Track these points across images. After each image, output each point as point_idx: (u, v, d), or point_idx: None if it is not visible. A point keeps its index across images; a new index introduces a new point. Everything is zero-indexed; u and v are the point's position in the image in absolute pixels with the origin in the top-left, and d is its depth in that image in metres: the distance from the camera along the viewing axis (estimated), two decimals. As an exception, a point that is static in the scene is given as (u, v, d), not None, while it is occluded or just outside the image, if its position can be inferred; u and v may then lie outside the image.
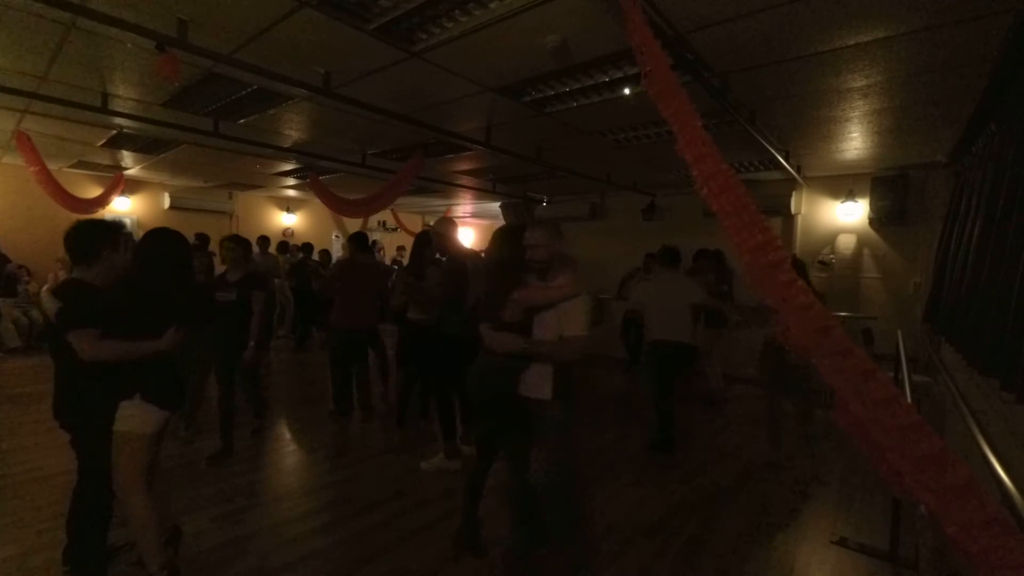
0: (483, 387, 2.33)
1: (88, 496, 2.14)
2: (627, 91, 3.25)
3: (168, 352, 2.13)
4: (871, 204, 5.52)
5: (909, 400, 2.34)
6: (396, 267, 7.32)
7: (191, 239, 5.13)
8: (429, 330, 3.71)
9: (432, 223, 4.01)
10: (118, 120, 4.40)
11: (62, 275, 7.03)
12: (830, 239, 5.99)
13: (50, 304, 2.01)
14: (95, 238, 2.11)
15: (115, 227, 2.24)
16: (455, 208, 10.98)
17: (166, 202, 8.38)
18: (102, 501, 2.14)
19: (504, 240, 2.38)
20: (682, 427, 4.71)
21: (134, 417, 2.05)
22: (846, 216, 5.79)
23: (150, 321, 2.08)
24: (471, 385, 2.39)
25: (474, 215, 11.95)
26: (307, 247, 8.16)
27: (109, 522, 2.18)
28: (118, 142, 5.46)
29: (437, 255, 3.82)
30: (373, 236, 10.96)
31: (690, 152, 1.66)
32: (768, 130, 4.08)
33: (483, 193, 7.96)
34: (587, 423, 4.67)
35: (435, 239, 3.80)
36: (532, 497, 2.28)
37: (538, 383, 2.21)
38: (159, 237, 2.24)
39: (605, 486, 3.40)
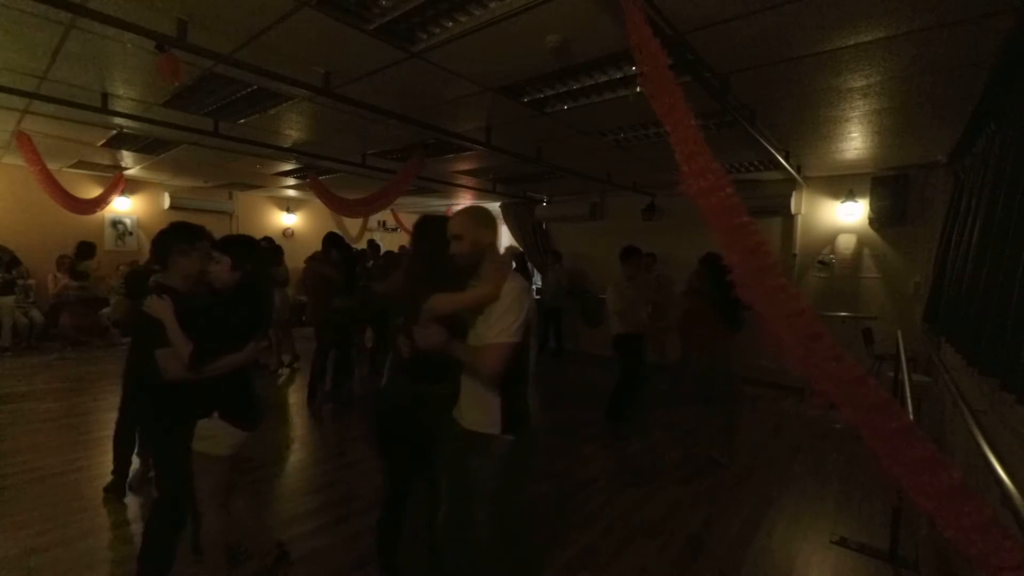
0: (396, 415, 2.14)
1: (160, 512, 2.13)
2: (629, 93, 3.25)
3: (246, 368, 2.11)
4: (871, 204, 5.52)
5: (909, 400, 2.34)
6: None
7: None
8: None
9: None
10: (118, 120, 4.40)
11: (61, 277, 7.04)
12: (830, 239, 5.99)
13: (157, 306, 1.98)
14: (166, 242, 2.16)
15: (192, 233, 2.20)
16: (455, 208, 10.98)
17: (166, 202, 8.37)
18: (171, 518, 2.12)
19: (423, 234, 2.02)
20: (682, 427, 4.71)
21: (211, 438, 2.00)
22: (846, 216, 5.79)
23: (236, 334, 2.05)
24: (380, 412, 2.22)
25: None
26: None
27: (176, 539, 2.16)
28: (118, 142, 5.45)
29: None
30: (373, 236, 10.96)
31: (681, 149, 1.61)
32: (768, 130, 4.08)
33: (483, 193, 7.95)
34: (586, 424, 4.67)
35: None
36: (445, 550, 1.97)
37: (479, 412, 1.78)
38: (259, 248, 2.22)
39: (605, 486, 3.40)
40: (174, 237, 2.16)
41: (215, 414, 1.99)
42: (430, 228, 2.01)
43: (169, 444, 2.06)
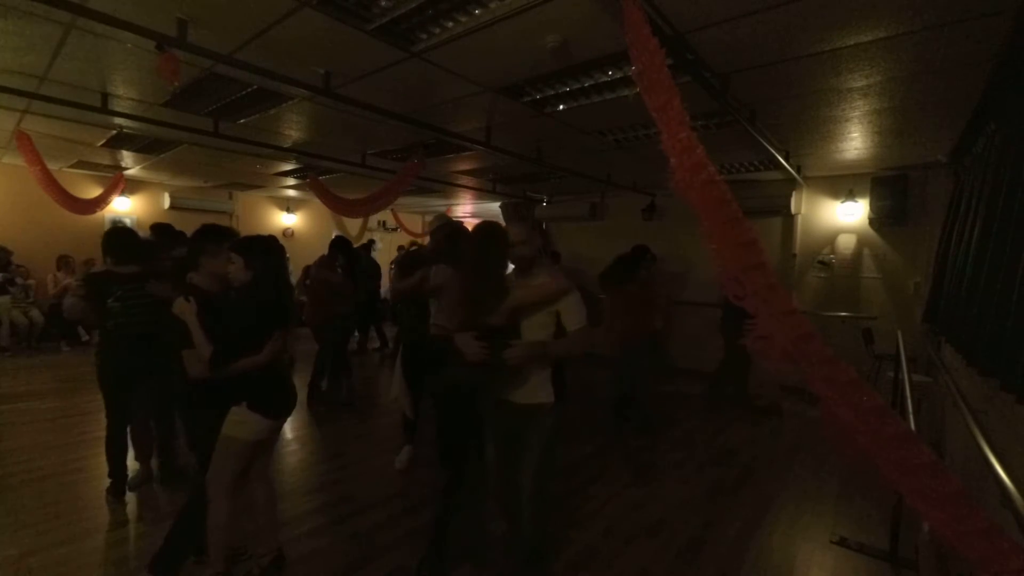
0: (465, 398, 2.28)
1: (195, 503, 2.19)
2: (629, 93, 3.25)
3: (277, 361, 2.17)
4: (871, 204, 5.51)
5: (909, 400, 2.34)
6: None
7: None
8: None
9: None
10: (118, 120, 4.40)
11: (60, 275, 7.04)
12: (830, 239, 5.99)
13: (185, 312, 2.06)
14: (193, 245, 2.27)
15: (218, 234, 2.28)
16: (455, 208, 10.98)
17: (166, 202, 8.38)
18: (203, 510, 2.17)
19: (485, 240, 2.21)
20: (683, 427, 4.71)
21: (240, 424, 2.08)
22: (846, 216, 5.79)
23: (256, 333, 2.10)
24: (450, 400, 2.37)
25: (474, 215, 11.96)
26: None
27: (199, 528, 2.20)
28: (118, 142, 5.45)
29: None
30: (373, 236, 10.98)
31: (672, 143, 1.60)
32: (768, 130, 4.08)
33: (483, 193, 7.95)
34: (586, 424, 4.67)
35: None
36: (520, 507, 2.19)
37: (537, 387, 2.12)
38: (270, 246, 2.25)
39: (605, 486, 3.40)
40: (202, 239, 2.27)
41: (244, 403, 2.08)
42: (479, 234, 2.22)
43: (211, 433, 2.14)
